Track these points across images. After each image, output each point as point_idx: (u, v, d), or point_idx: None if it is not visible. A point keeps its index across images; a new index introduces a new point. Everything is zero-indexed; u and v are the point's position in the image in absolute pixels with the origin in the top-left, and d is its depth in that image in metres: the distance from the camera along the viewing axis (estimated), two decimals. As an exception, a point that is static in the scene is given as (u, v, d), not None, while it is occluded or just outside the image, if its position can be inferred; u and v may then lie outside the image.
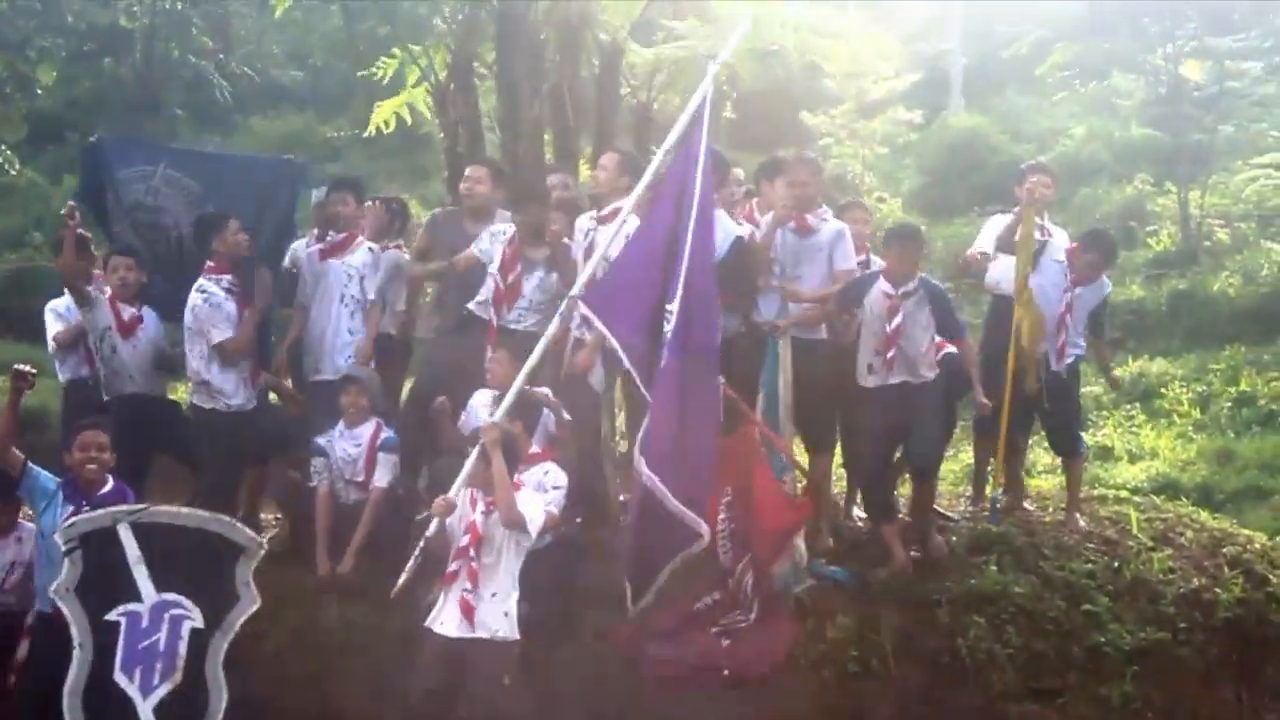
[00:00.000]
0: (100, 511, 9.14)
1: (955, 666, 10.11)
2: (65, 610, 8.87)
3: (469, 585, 8.89)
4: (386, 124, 15.39)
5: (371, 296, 11.50)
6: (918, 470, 11.11)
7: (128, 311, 11.17)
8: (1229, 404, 18.32)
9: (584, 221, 11.21)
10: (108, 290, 11.21)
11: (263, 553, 9.11)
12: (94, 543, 8.98)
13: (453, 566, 8.97)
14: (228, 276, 11.02)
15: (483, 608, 8.87)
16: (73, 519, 9.15)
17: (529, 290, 11.05)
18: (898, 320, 10.62)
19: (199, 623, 8.97)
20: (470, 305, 11.09)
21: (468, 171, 11.85)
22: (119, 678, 8.81)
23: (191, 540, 9.06)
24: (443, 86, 13.47)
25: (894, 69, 27.81)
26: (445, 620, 8.90)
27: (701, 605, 9.91)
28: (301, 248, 11.74)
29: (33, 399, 10.05)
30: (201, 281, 10.97)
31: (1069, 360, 11.79)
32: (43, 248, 29.81)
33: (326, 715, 9.69)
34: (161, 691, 8.85)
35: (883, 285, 10.73)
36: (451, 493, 9.20)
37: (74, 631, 8.84)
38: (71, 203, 11.27)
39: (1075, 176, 27.02)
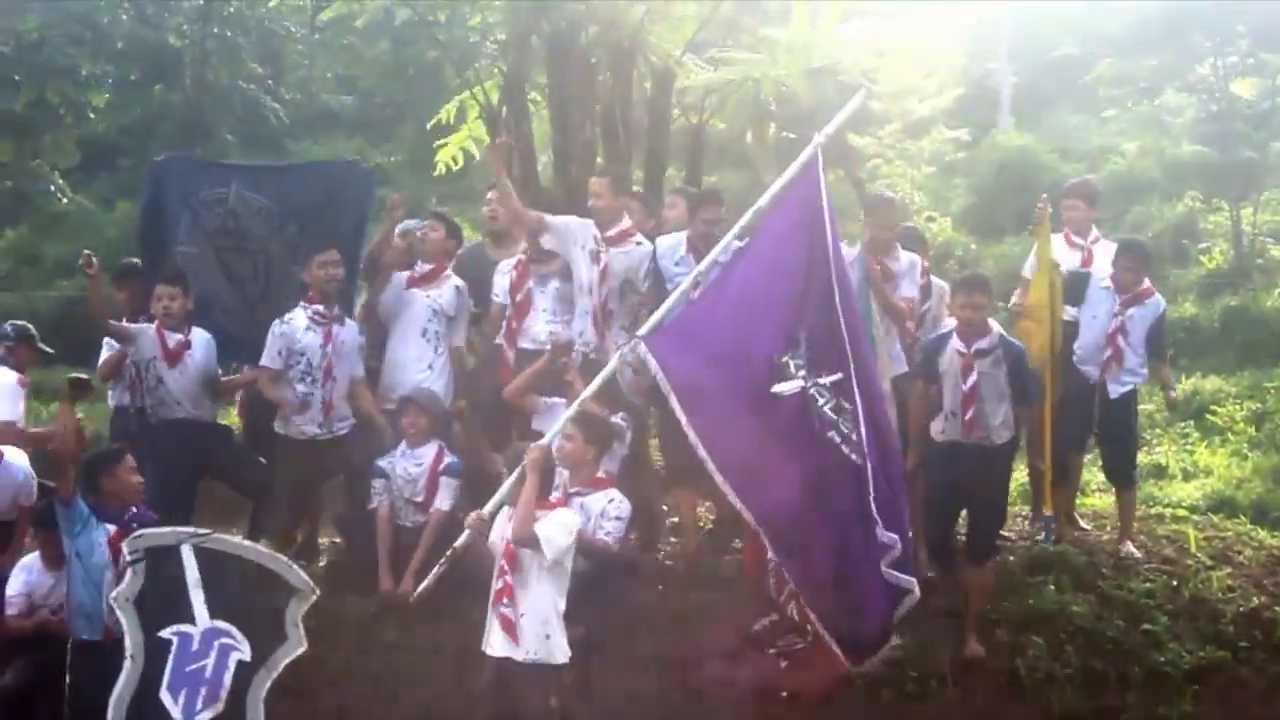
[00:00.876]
0: (167, 530, 9.20)
1: (1014, 686, 10.11)
2: (122, 619, 8.92)
3: (507, 601, 8.85)
4: (455, 160, 15.41)
5: (459, 344, 11.53)
6: (979, 548, 10.69)
7: (174, 339, 11.13)
8: (1284, 421, 18.23)
9: (585, 236, 11.13)
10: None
11: (314, 598, 9.08)
12: (157, 559, 9.03)
13: (496, 585, 8.93)
14: (317, 307, 11.04)
15: (522, 624, 8.81)
16: (141, 531, 9.22)
17: (542, 302, 11.14)
18: (973, 379, 10.31)
19: (246, 656, 8.97)
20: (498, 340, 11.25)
21: (488, 195, 11.95)
22: (164, 696, 8.84)
23: (248, 574, 9.08)
24: (495, 110, 13.50)
25: (939, 85, 27.88)
26: (493, 641, 8.86)
27: (759, 627, 9.86)
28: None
29: (85, 424, 10.11)
30: (296, 309, 11.05)
31: (1125, 388, 11.58)
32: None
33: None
34: (203, 717, 8.89)
35: (956, 344, 10.42)
36: (487, 509, 9.24)
37: (128, 642, 8.88)
38: (87, 251, 11.24)
39: (1126, 194, 26.96)
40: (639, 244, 11.23)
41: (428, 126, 15.70)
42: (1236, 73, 27.05)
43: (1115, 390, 11.48)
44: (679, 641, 9.93)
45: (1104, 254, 11.83)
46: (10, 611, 10.43)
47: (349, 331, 11.11)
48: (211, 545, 9.06)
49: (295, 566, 9.20)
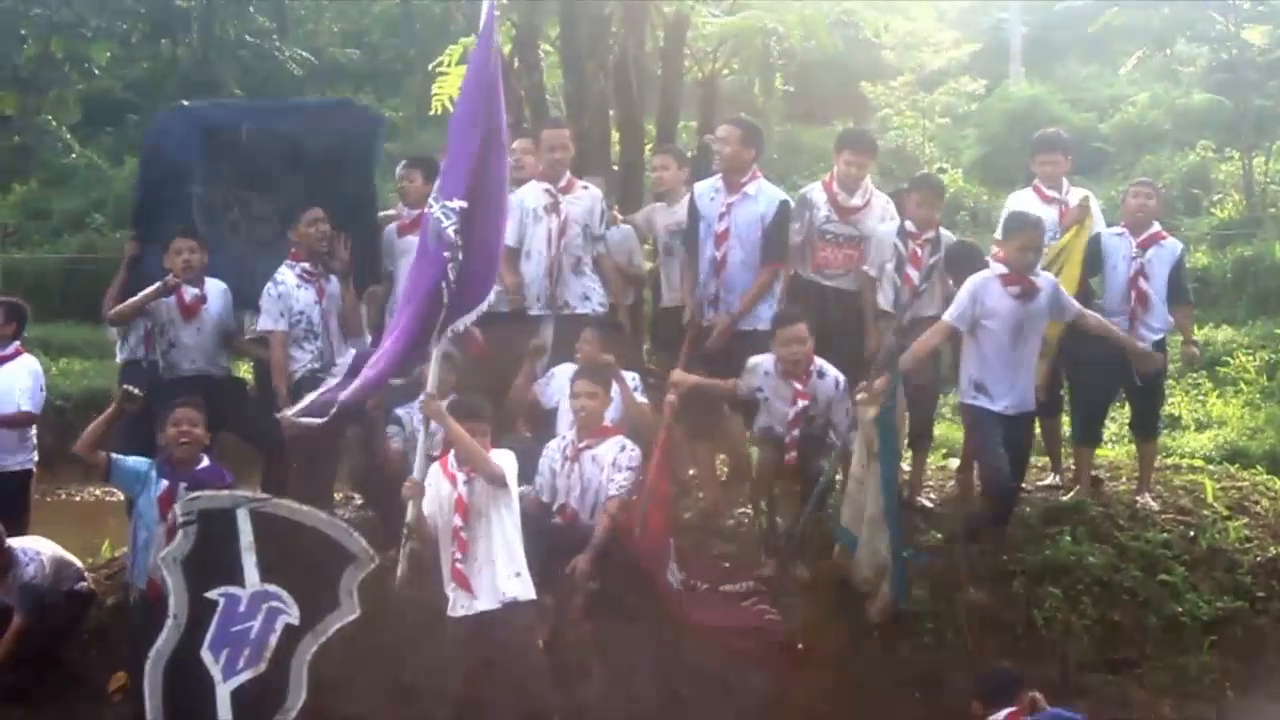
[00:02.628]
0: (224, 493, 9.14)
1: (1031, 638, 10.05)
2: (167, 579, 8.88)
3: (460, 555, 8.74)
4: (452, 100, 15.32)
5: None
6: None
7: (190, 293, 11.08)
8: (1296, 370, 18.23)
9: (538, 195, 11.28)
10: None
11: (373, 565, 8.98)
12: (209, 521, 8.97)
13: (450, 547, 8.82)
14: (303, 264, 11.03)
15: (483, 575, 8.72)
16: (197, 494, 9.16)
17: None
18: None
19: (294, 620, 8.91)
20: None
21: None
22: (205, 655, 8.83)
23: (304, 539, 8.97)
24: (507, 62, 13.43)
25: (952, 38, 27.82)
26: (460, 604, 8.76)
27: (730, 588, 10.03)
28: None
29: (97, 380, 10.08)
30: (281, 267, 11.02)
31: (1156, 336, 11.33)
32: (103, 229, 30.06)
33: (399, 692, 9.69)
34: (243, 677, 8.85)
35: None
36: (416, 472, 9.24)
37: (171, 602, 8.85)
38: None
39: (1137, 145, 26.97)
40: (585, 188, 11.31)
41: (430, 68, 15.62)
42: (1248, 20, 26.91)
43: (1146, 339, 11.23)
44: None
45: (1078, 201, 11.53)
46: None
47: (334, 285, 11.13)
48: (268, 510, 9.01)
49: (355, 533, 9.07)
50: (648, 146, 13.58)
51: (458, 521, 8.79)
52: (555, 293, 11.15)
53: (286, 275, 10.97)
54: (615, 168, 12.65)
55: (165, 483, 9.57)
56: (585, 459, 9.79)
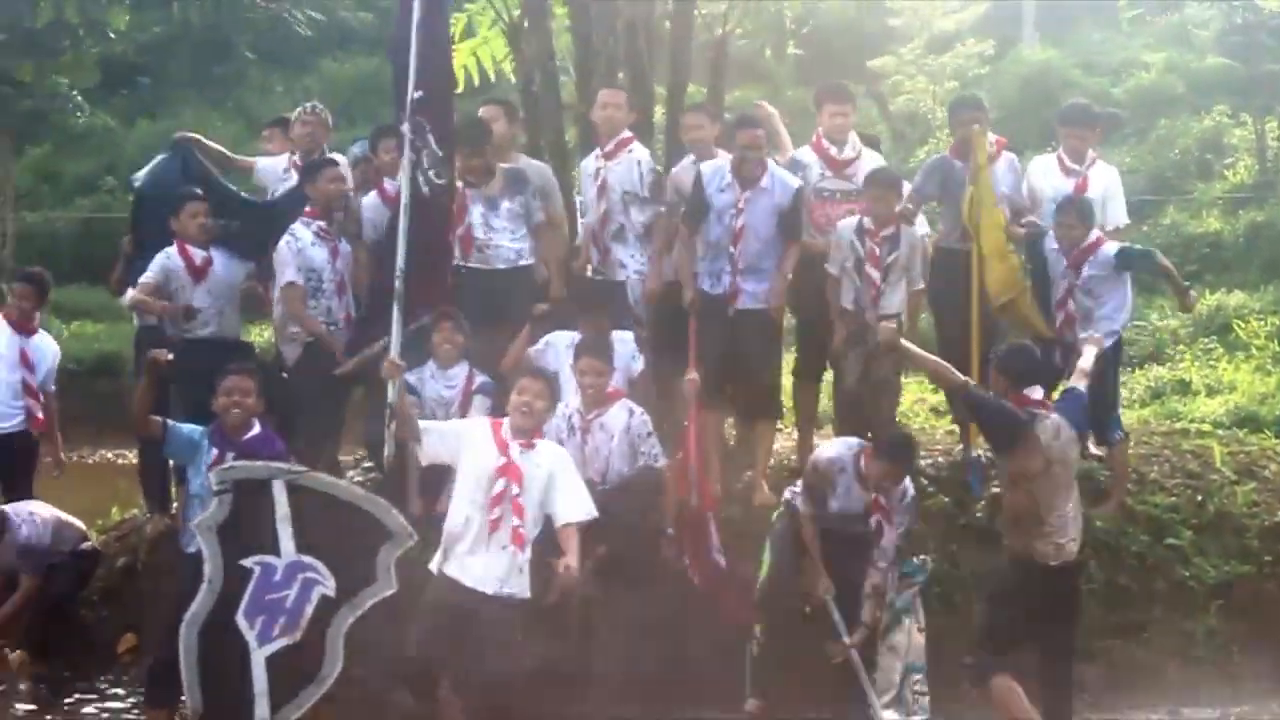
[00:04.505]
0: (259, 463, 9.07)
1: (1038, 601, 10.08)
2: (203, 546, 8.85)
3: (519, 521, 8.69)
4: (464, 70, 15.30)
5: None
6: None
7: (199, 255, 11.10)
8: (1308, 336, 18.18)
9: (590, 162, 11.34)
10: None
11: (411, 542, 8.88)
12: (245, 490, 8.93)
13: (493, 514, 8.71)
14: (320, 222, 11.04)
15: (521, 559, 8.72)
16: (231, 464, 9.16)
17: (499, 223, 11.04)
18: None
19: (330, 591, 8.86)
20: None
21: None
22: (239, 620, 8.84)
23: (341, 513, 8.91)
24: (516, 26, 13.40)
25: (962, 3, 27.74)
26: (471, 569, 8.68)
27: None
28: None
29: (109, 344, 10.07)
30: (297, 224, 11.03)
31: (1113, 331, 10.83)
32: (115, 192, 30.09)
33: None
34: (278, 645, 8.87)
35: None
36: (393, 354, 9.40)
37: (207, 568, 8.82)
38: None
39: (1151, 109, 26.87)
40: (631, 152, 11.23)
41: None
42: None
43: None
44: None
45: (1100, 178, 11.37)
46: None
47: (345, 246, 11.13)
48: (305, 483, 8.96)
49: (394, 510, 8.96)
50: (658, 111, 13.56)
51: (514, 489, 8.71)
52: (603, 259, 11.23)
53: (303, 232, 10.95)
54: (627, 133, 12.59)
55: (215, 451, 9.51)
56: (595, 428, 9.79)
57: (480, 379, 10.45)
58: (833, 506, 9.52)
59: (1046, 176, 11.34)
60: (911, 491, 9.71)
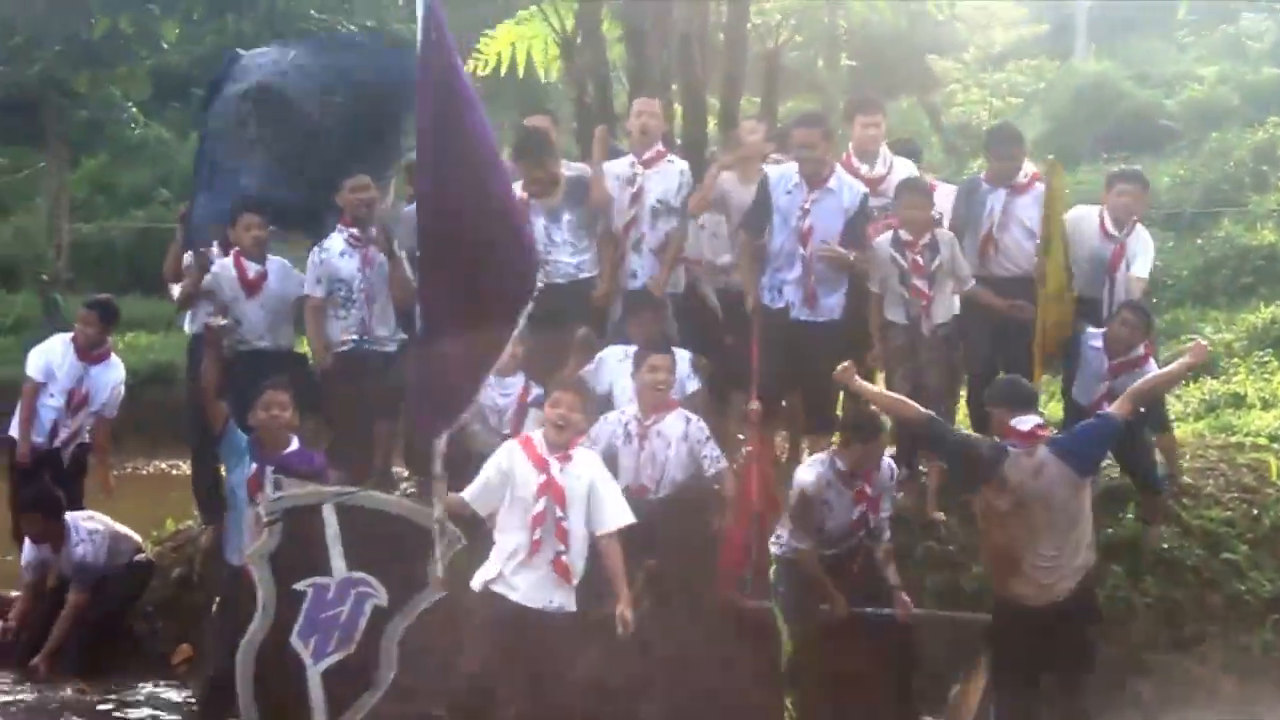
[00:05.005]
0: (310, 490, 9.08)
1: (1093, 615, 10.03)
2: (255, 575, 8.90)
3: (563, 547, 8.70)
4: (499, 58, 15.34)
5: None
6: None
7: (253, 269, 11.14)
8: (1363, 349, 18.02)
9: (622, 168, 11.17)
10: (216, 254, 11.26)
11: (461, 545, 8.88)
12: (295, 516, 8.96)
13: (535, 532, 8.70)
14: (351, 230, 11.07)
15: (573, 569, 8.74)
16: (280, 494, 9.12)
17: (559, 236, 11.00)
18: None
19: (383, 601, 8.91)
20: None
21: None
22: (294, 641, 8.86)
23: (391, 524, 8.93)
24: (569, 37, 13.45)
25: (1021, 15, 27.67)
26: (520, 587, 8.69)
27: None
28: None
29: (162, 354, 10.12)
30: (332, 233, 11.08)
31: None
32: (169, 203, 30.26)
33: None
34: (333, 659, 8.90)
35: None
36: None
37: (260, 595, 8.88)
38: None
39: (1205, 121, 26.70)
40: (670, 162, 11.21)
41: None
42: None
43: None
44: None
45: (1135, 245, 10.96)
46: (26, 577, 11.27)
47: (381, 255, 11.12)
48: (355, 503, 9.00)
49: (448, 522, 8.84)
50: (711, 122, 13.55)
51: (557, 511, 8.72)
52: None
53: (333, 241, 11.07)
54: (678, 142, 12.61)
55: (254, 465, 9.64)
56: (652, 435, 9.81)
57: (536, 391, 10.40)
58: (829, 527, 9.45)
59: (1085, 234, 10.98)
60: (893, 468, 9.72)
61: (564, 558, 8.68)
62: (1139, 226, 11.07)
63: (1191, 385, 15.95)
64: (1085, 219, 11.08)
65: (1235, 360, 18.01)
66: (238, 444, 9.80)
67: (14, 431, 11.78)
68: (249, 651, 8.87)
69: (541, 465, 8.84)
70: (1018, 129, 11.55)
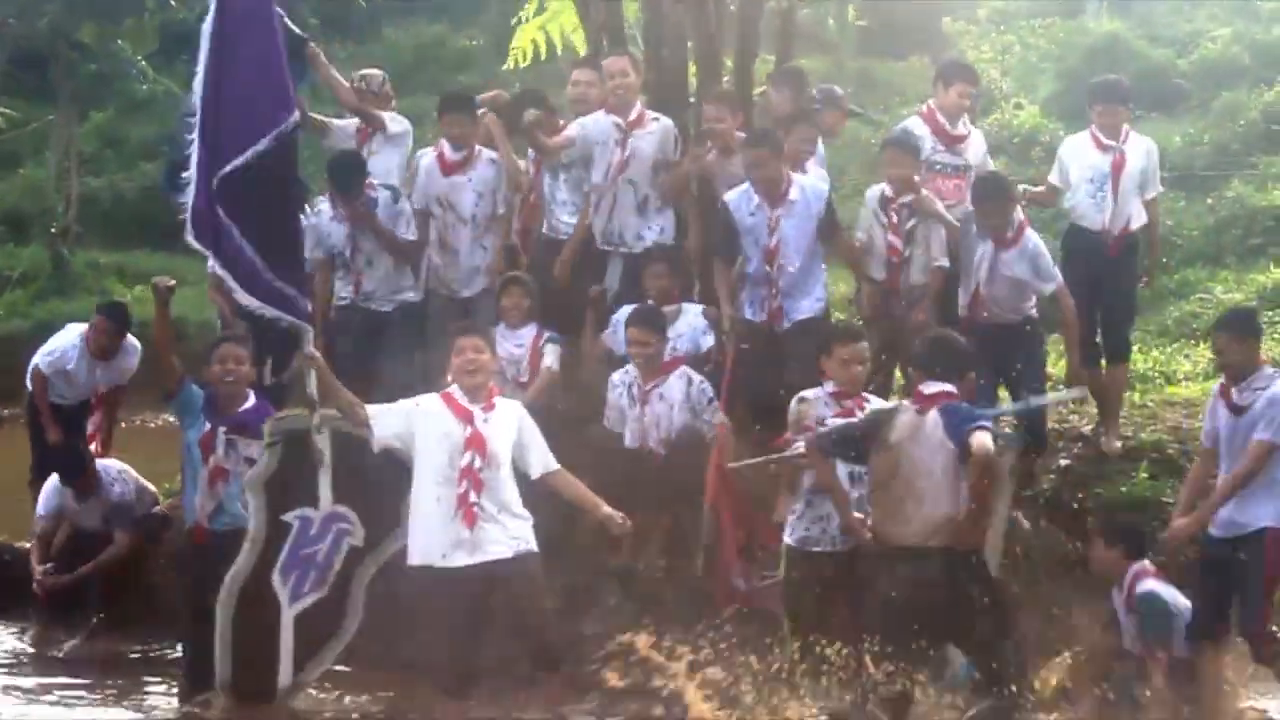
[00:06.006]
0: (309, 413, 9.10)
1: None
2: (250, 502, 8.97)
3: (476, 497, 8.58)
4: (533, 47, 15.33)
5: (501, 210, 11.49)
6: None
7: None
8: (1383, 309, 17.98)
9: (606, 129, 11.21)
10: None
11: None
12: (292, 442, 9.04)
13: (459, 487, 8.60)
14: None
15: (498, 521, 8.64)
16: (283, 414, 9.23)
17: (560, 194, 11.38)
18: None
19: (358, 541, 9.00)
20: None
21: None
22: (275, 578, 8.94)
23: (375, 457, 8.88)
24: (585, -1, 13.42)
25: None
26: (455, 555, 8.56)
27: None
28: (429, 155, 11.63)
29: (172, 307, 10.01)
30: (322, 198, 11.21)
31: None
32: (177, 159, 30.22)
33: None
34: (307, 601, 8.98)
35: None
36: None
37: (251, 525, 8.98)
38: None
39: (1216, 81, 26.58)
40: (656, 120, 11.31)
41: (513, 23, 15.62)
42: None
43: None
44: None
45: (1137, 151, 11.35)
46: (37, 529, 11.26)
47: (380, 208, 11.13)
48: (345, 428, 9.00)
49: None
50: (724, 79, 13.53)
51: (477, 462, 8.62)
52: (607, 229, 11.22)
53: (323, 206, 11.20)
54: (692, 100, 12.60)
55: (208, 425, 9.53)
56: (654, 399, 9.92)
57: (548, 332, 10.56)
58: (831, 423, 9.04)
59: (1080, 154, 11.26)
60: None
61: (475, 508, 8.57)
62: (1134, 135, 11.42)
63: (1202, 345, 15.94)
64: (1075, 141, 11.58)
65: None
66: (193, 400, 9.62)
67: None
68: (235, 584, 8.94)
69: (466, 417, 8.75)
70: (1007, 180, 11.20)
